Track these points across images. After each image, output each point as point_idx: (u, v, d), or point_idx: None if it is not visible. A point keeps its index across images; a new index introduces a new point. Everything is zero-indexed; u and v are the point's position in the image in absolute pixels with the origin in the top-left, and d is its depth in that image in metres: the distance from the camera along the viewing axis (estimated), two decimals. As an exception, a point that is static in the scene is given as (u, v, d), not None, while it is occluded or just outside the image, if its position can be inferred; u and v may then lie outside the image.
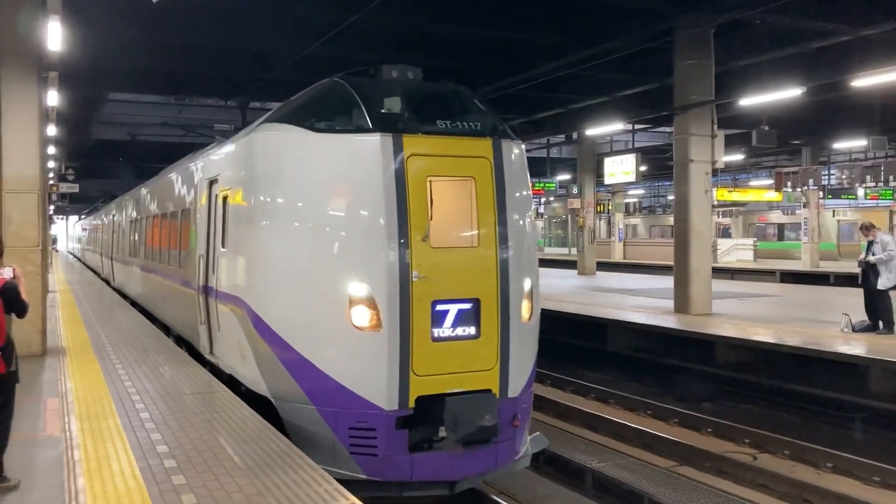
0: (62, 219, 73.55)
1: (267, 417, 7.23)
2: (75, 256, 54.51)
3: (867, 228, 13.35)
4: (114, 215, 24.60)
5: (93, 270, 33.14)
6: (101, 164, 35.86)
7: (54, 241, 60.43)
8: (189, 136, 26.41)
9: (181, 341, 12.12)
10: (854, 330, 13.24)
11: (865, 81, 14.82)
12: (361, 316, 6.96)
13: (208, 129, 24.28)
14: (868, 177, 26.08)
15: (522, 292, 7.55)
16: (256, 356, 7.70)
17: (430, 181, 7.36)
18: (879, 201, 34.02)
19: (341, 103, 7.58)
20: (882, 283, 12.87)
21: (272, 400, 7.57)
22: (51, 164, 23.94)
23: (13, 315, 5.73)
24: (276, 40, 16.62)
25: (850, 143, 31.64)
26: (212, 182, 9.75)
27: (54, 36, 10.39)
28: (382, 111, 7.41)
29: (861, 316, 13.40)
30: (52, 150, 22.39)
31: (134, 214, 18.85)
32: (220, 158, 9.93)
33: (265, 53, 18.04)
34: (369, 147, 7.13)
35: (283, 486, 5.34)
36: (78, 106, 22.12)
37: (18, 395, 5.84)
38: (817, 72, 17.52)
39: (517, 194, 7.69)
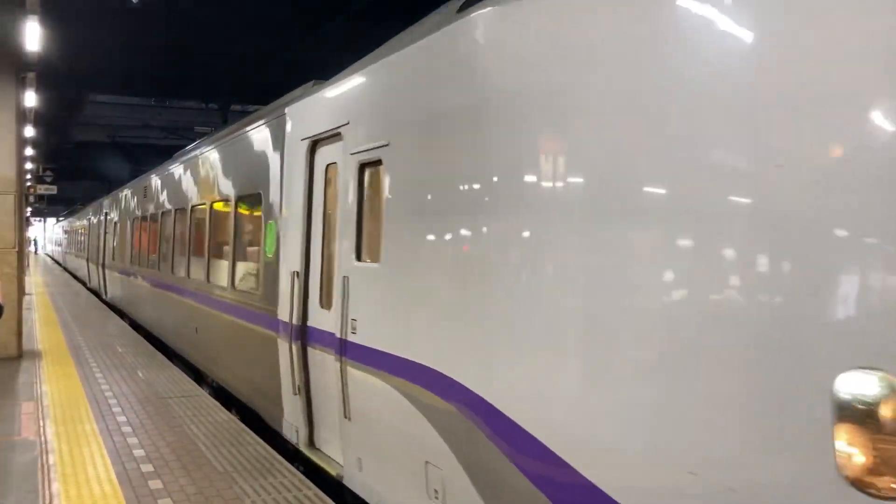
0: (40, 221, 72.91)
1: None
2: (55, 261, 53.28)
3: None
4: (107, 213, 20.73)
5: (77, 278, 30.47)
6: (80, 166, 35.59)
7: (35, 242, 59.92)
8: (169, 139, 26.32)
9: (224, 396, 8.73)
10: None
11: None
12: (871, 459, 2.43)
13: (188, 132, 24.22)
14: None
15: None
16: None
17: None
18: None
19: None
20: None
21: None
22: (28, 165, 23.69)
23: (-12, 317, 5.68)
24: (257, 43, 16.57)
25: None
26: (316, 143, 6.06)
27: (32, 36, 10.29)
28: None
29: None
30: (29, 151, 22.19)
31: (144, 209, 14.57)
32: (342, 96, 5.61)
33: (247, 56, 17.98)
34: None
35: (261, 490, 5.31)
36: (57, 107, 21.94)
37: (-8, 398, 5.79)
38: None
39: None
